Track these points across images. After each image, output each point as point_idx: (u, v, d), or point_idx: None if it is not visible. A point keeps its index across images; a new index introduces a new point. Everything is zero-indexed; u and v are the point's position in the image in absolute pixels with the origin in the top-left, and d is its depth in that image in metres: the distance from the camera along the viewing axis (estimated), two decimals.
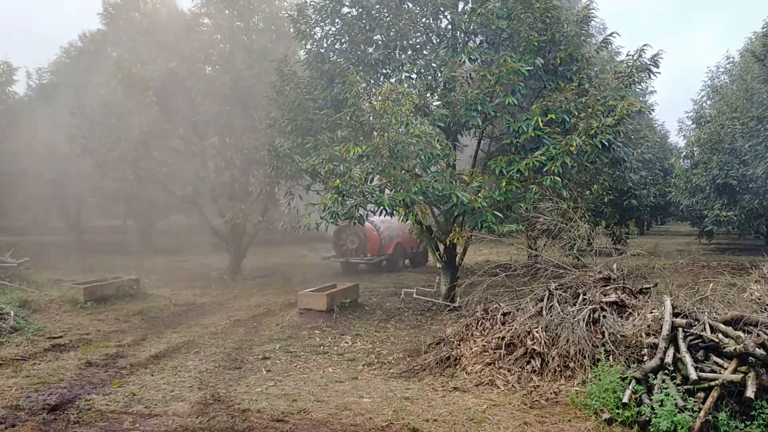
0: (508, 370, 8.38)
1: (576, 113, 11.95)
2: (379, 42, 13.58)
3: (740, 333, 7.06)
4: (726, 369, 6.76)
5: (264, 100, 15.39)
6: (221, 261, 22.70)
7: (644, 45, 13.05)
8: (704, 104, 33.01)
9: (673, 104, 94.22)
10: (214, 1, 20.19)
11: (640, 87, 13.49)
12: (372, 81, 14.07)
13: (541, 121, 11.76)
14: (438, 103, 13.31)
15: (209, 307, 14.96)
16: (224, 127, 17.82)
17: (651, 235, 43.14)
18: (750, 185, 18.22)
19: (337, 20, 14.01)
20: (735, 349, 6.77)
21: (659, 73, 12.92)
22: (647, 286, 9.98)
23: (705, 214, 21.29)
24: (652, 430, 6.29)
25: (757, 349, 6.59)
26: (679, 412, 6.18)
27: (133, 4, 23.84)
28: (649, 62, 12.90)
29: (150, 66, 18.53)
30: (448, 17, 13.68)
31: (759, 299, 8.82)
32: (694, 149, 24.93)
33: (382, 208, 11.59)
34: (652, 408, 6.45)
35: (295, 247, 30.29)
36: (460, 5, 13.68)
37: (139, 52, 19.24)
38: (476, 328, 9.82)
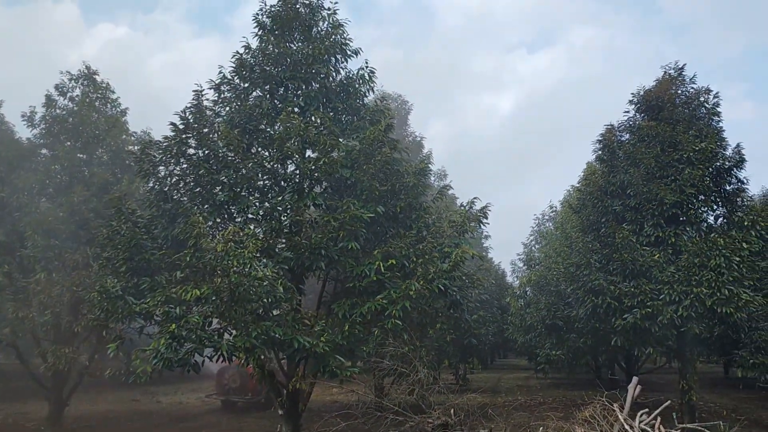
0: None
1: (414, 259, 12.53)
2: (226, 182, 13.65)
3: None
4: None
5: (99, 236, 14.64)
6: (41, 409, 20.22)
7: (474, 198, 14.26)
8: (533, 248, 36.10)
9: (510, 245, 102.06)
10: (56, 133, 19.47)
11: (472, 235, 14.55)
12: (219, 220, 13.98)
13: (383, 265, 12.18)
14: (284, 245, 13.40)
15: None
16: (53, 262, 16.59)
17: (494, 369, 44.75)
18: (575, 325, 19.69)
19: (182, 160, 13.98)
20: None
21: (488, 223, 14.07)
22: (483, 430, 10.20)
23: (538, 351, 22.55)
24: None
25: None
26: None
27: None
28: (479, 213, 14.03)
29: None
30: (295, 163, 14.14)
31: None
32: (527, 289, 26.82)
33: (220, 353, 11.14)
34: None
35: (127, 391, 27.76)
36: (307, 152, 14.25)
37: None
38: None
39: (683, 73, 18.81)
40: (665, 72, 19.02)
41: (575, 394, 23.64)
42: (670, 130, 17.55)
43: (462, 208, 14.46)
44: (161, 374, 10.97)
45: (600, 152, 19.21)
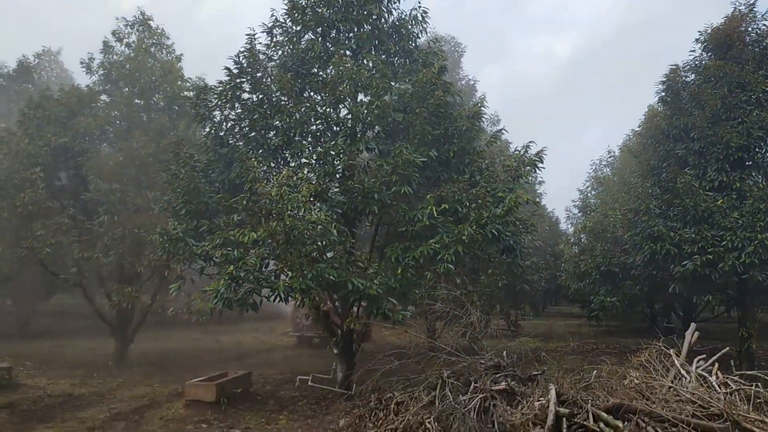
0: None
1: (467, 204, 12.43)
2: (279, 127, 13.72)
3: (619, 422, 7.32)
4: None
5: (159, 180, 15.04)
6: (107, 346, 21.34)
7: (530, 142, 13.94)
8: (589, 194, 35.32)
9: (565, 192, 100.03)
10: (114, 79, 19.87)
11: (526, 180, 14.32)
12: (272, 164, 14.14)
13: (435, 210, 12.13)
14: (337, 189, 13.50)
15: (88, 398, 13.88)
16: (115, 205, 17.17)
17: (546, 316, 44.57)
18: (631, 272, 19.36)
19: (237, 104, 14.09)
20: None
21: (544, 167, 13.79)
22: (536, 372, 10.22)
23: (592, 298, 22.32)
24: None
25: None
26: None
27: (25, 77, 23.05)
28: (534, 157, 13.74)
29: (40, 141, 17.77)
30: (348, 107, 14.08)
31: (637, 386, 9.21)
32: (581, 236, 26.36)
33: (277, 293, 11.44)
34: None
35: (189, 330, 28.97)
36: (360, 96, 14.15)
37: (28, 126, 18.45)
38: (369, 419, 9.66)
39: (755, 9, 17.72)
40: (735, 8, 17.95)
41: (629, 341, 23.43)
42: (738, 70, 16.68)
43: (516, 152, 14.19)
44: (221, 314, 11.34)
45: (663, 94, 18.47)
